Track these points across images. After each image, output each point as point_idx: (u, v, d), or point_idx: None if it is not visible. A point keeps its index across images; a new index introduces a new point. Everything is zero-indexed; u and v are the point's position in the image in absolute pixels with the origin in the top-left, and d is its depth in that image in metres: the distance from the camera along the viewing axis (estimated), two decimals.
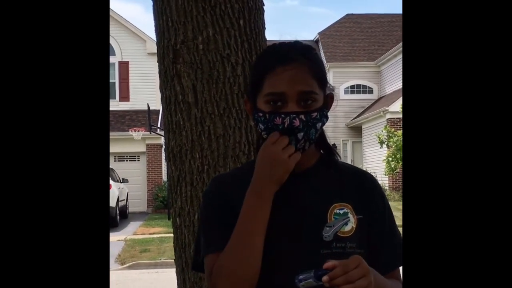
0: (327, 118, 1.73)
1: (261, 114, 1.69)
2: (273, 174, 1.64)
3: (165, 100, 2.91)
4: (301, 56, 1.68)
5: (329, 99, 1.76)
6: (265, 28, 2.98)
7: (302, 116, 1.66)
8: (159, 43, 2.92)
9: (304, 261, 1.63)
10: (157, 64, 2.96)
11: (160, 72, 2.94)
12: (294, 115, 1.65)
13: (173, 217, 2.93)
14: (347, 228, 1.69)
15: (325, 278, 1.47)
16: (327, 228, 1.68)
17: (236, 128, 2.77)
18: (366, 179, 1.82)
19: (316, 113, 1.68)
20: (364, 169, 1.91)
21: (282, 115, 1.65)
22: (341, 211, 1.70)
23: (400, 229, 1.78)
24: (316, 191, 1.74)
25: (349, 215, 1.71)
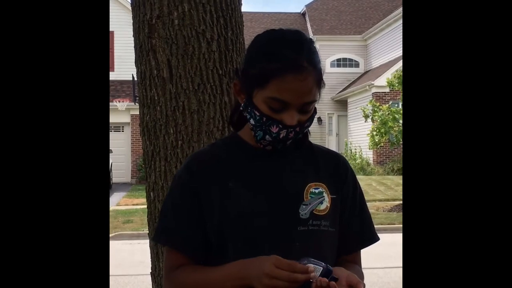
0: (315, 114, 1.77)
1: (257, 113, 1.69)
2: (251, 278, 1.60)
3: (140, 74, 2.91)
4: (310, 65, 1.66)
5: (320, 92, 1.76)
6: (241, 4, 2.98)
7: (297, 129, 1.70)
8: (134, 17, 2.92)
9: (282, 237, 1.70)
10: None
11: (135, 47, 2.93)
12: (291, 129, 1.68)
13: (147, 191, 2.95)
14: (322, 206, 1.75)
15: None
16: (304, 206, 1.73)
17: (211, 104, 2.78)
18: (340, 161, 1.87)
19: (308, 123, 1.73)
20: (341, 150, 1.95)
21: (280, 126, 1.67)
22: (317, 190, 1.76)
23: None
24: (293, 170, 1.78)
25: (324, 194, 1.76)
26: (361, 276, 1.80)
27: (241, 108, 1.78)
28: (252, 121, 1.72)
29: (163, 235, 1.79)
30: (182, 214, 1.76)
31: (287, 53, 1.65)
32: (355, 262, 1.85)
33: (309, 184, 1.75)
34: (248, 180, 1.74)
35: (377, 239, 1.90)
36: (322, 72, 1.72)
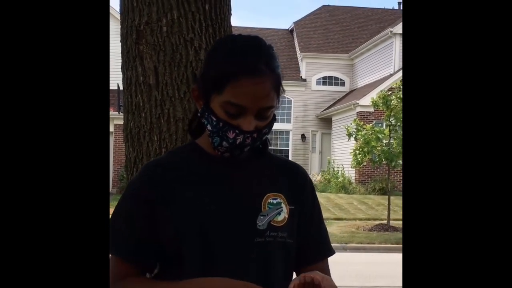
0: (275, 121, 1.74)
1: (214, 118, 1.66)
2: None
3: (125, 80, 2.88)
4: (268, 69, 1.63)
5: (279, 98, 1.73)
6: (231, 14, 2.97)
7: (255, 135, 1.66)
8: (122, 22, 2.89)
9: (238, 249, 1.67)
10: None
11: (122, 52, 2.91)
12: (248, 135, 1.64)
13: None
14: (280, 217, 1.72)
15: None
16: (261, 217, 1.69)
17: (191, 115, 2.75)
18: (299, 172, 1.85)
19: (267, 129, 1.69)
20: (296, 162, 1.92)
21: (237, 131, 1.64)
22: (275, 201, 1.73)
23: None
24: (250, 181, 1.75)
25: (282, 205, 1.73)
26: None
27: (199, 114, 1.74)
28: (209, 127, 1.68)
29: (112, 244, 1.72)
30: (132, 223, 1.72)
31: (244, 56, 1.63)
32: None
33: (267, 195, 1.72)
34: (204, 189, 1.70)
35: (333, 252, 1.87)
36: (281, 77, 1.69)
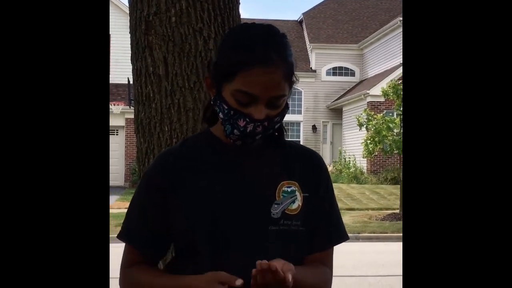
0: (287, 109, 1.73)
1: (225, 107, 1.66)
2: None
3: (135, 72, 2.89)
4: (279, 58, 1.62)
5: (292, 87, 1.72)
6: (239, 3, 2.97)
7: (266, 123, 1.65)
8: (131, 14, 2.90)
9: (251, 238, 1.67)
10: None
11: (131, 44, 2.91)
12: (258, 123, 1.64)
13: None
14: (294, 206, 1.71)
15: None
16: (276, 206, 1.69)
17: (206, 102, 2.75)
18: (313, 158, 1.83)
19: (278, 118, 1.68)
20: (313, 149, 1.91)
21: (247, 119, 1.63)
22: (289, 189, 1.72)
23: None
24: (265, 169, 1.74)
25: (297, 193, 1.73)
26: (325, 277, 1.78)
27: (211, 102, 1.74)
28: (221, 115, 1.69)
29: (127, 233, 1.77)
30: (145, 212, 1.74)
31: (255, 45, 1.62)
32: (322, 262, 1.79)
33: (282, 183, 1.72)
34: (217, 178, 1.71)
35: (345, 238, 1.85)
36: (294, 66, 1.68)
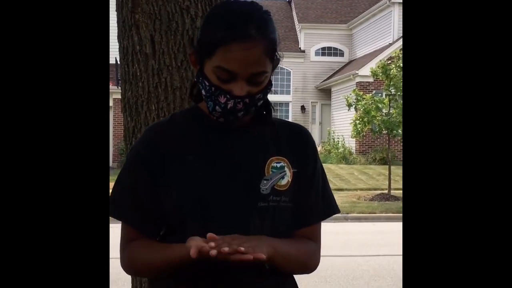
0: (271, 87, 1.72)
1: (207, 83, 1.66)
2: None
3: (122, 50, 2.86)
4: (259, 34, 1.61)
5: (275, 64, 1.71)
6: None
7: (247, 100, 1.64)
8: None
9: (240, 214, 1.67)
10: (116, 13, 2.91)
11: (118, 22, 2.88)
12: (239, 100, 1.63)
13: None
14: (284, 181, 1.71)
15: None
16: (265, 181, 1.69)
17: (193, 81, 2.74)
18: (301, 133, 1.83)
19: (260, 95, 1.67)
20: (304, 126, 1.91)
21: (228, 96, 1.63)
22: (278, 165, 1.72)
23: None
24: (253, 146, 1.74)
25: (286, 169, 1.73)
26: (309, 249, 1.78)
27: (195, 79, 1.74)
28: (203, 92, 1.69)
29: (113, 206, 1.75)
30: (135, 187, 1.73)
31: (234, 21, 1.61)
32: (310, 237, 1.79)
33: (271, 159, 1.72)
34: (207, 154, 1.71)
35: (335, 211, 1.84)
36: (277, 42, 1.67)
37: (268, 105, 1.78)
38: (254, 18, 1.63)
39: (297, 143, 1.79)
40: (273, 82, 1.74)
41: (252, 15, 1.64)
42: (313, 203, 1.79)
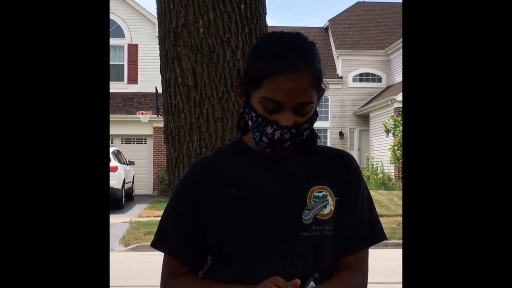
0: (317, 117, 1.73)
1: (254, 114, 1.68)
2: None
3: (165, 82, 2.93)
4: (305, 65, 1.63)
5: (321, 94, 1.73)
6: (266, 13, 3.00)
7: (293, 130, 1.66)
8: (160, 25, 2.95)
9: (283, 245, 1.68)
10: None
11: (160, 55, 2.96)
12: (286, 130, 1.65)
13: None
14: (326, 210, 1.71)
15: None
16: (307, 211, 1.69)
17: (235, 112, 2.79)
18: (343, 160, 1.82)
19: (307, 124, 1.69)
20: (344, 150, 1.90)
21: (275, 126, 1.65)
22: (320, 194, 1.72)
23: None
24: (295, 175, 1.74)
25: (328, 197, 1.72)
26: (354, 284, 1.76)
27: (241, 110, 1.77)
28: (250, 123, 1.71)
29: (160, 241, 1.80)
30: (180, 221, 1.77)
31: (281, 53, 1.64)
32: (356, 265, 1.78)
33: (313, 188, 1.72)
34: (250, 185, 1.72)
35: (382, 238, 1.83)
36: (322, 72, 1.68)
37: (313, 133, 1.79)
38: (300, 49, 1.66)
39: (339, 170, 1.78)
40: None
41: (298, 46, 1.66)
42: (358, 229, 1.77)
